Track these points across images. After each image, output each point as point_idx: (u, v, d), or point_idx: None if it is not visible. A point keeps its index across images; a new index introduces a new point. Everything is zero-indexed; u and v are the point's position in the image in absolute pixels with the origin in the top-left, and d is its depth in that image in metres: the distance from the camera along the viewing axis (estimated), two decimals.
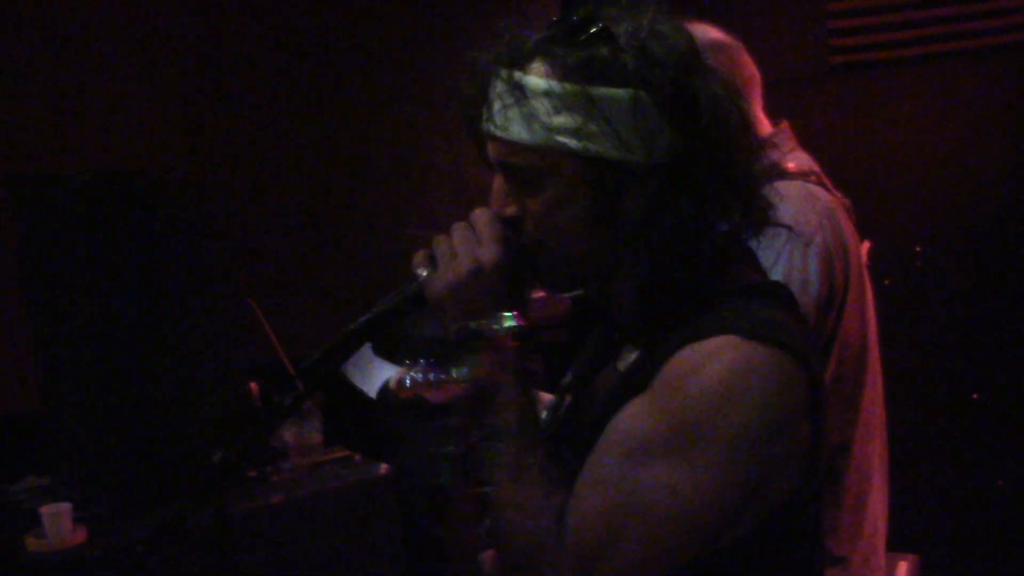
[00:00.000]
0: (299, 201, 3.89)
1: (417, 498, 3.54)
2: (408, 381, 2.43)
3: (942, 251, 4.77)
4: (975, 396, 4.81)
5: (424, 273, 1.69)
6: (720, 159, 1.62)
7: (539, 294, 2.52)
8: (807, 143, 4.11)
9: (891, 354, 4.19)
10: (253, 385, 3.38)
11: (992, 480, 4.86)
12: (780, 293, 1.75)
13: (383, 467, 3.38)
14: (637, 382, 1.60)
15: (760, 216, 1.70)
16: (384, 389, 2.56)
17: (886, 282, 4.55)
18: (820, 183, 2.82)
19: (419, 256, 1.71)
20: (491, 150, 1.67)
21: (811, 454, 1.60)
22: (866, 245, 4.49)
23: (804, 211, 2.65)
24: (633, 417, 1.57)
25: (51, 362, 3.24)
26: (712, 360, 1.54)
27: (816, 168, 2.87)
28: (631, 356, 1.70)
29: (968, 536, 4.78)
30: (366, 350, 3.57)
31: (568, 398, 1.86)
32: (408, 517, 3.49)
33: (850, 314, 2.74)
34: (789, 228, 1.90)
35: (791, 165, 2.78)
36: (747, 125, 1.67)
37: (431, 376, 2.41)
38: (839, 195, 2.85)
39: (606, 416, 1.62)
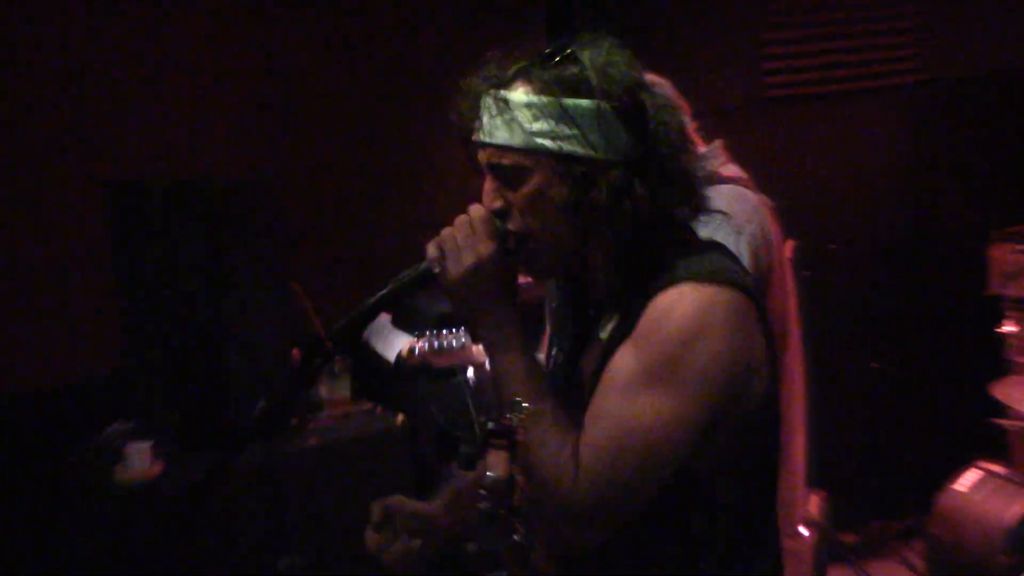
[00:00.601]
0: (336, 201, 3.87)
1: (426, 441, 3.58)
2: (416, 350, 2.48)
3: (849, 248, 4.77)
4: (873, 365, 4.85)
5: (434, 254, 1.69)
6: (666, 156, 1.65)
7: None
8: (745, 162, 4.14)
9: (809, 327, 4.24)
10: (295, 351, 3.38)
11: (885, 431, 4.90)
12: (720, 247, 1.79)
13: (399, 417, 3.40)
14: (620, 340, 1.63)
15: (700, 204, 1.73)
16: (398, 356, 2.59)
17: (806, 273, 4.58)
18: (746, 186, 2.85)
19: (431, 244, 1.71)
20: (481, 156, 1.69)
21: (769, 362, 1.66)
22: (790, 243, 4.54)
23: (737, 207, 2.65)
24: (621, 360, 1.60)
25: (136, 332, 3.28)
26: (677, 304, 1.57)
27: (745, 176, 2.88)
28: (610, 324, 1.68)
29: (866, 476, 4.82)
30: (386, 322, 3.60)
31: (557, 353, 1.85)
32: (418, 457, 3.52)
33: (773, 294, 2.77)
34: (725, 214, 1.91)
35: (725, 172, 2.78)
36: (685, 132, 1.71)
37: (435, 345, 2.46)
38: (764, 197, 2.88)
39: (598, 376, 1.64)
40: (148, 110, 3.57)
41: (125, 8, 3.52)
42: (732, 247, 2.54)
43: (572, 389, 1.75)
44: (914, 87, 4.84)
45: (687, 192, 1.70)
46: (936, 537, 4.13)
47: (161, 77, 3.58)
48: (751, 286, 1.66)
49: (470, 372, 2.63)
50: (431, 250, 1.71)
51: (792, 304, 2.91)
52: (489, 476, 1.45)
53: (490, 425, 1.51)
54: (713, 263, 1.65)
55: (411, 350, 2.52)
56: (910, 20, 4.76)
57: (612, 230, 1.64)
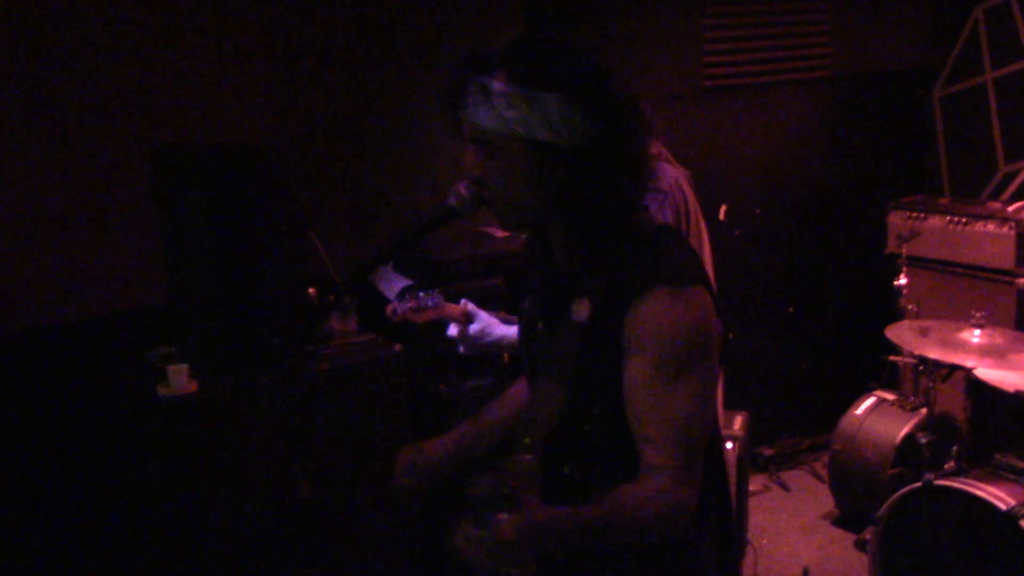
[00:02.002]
0: (347, 162, 3.83)
1: (420, 367, 3.55)
2: (398, 310, 2.43)
3: (773, 213, 4.78)
4: (791, 309, 4.86)
5: (454, 201, 1.66)
6: (623, 143, 1.61)
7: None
8: (687, 143, 4.09)
9: (736, 279, 4.24)
10: (311, 289, 3.33)
11: (798, 364, 4.93)
12: (675, 233, 1.78)
13: (397, 346, 3.35)
14: (603, 334, 1.60)
15: (647, 182, 1.71)
16: (385, 315, 2.53)
17: (736, 232, 4.59)
18: (668, 160, 2.84)
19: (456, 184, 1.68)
20: (465, 130, 1.66)
21: (722, 341, 1.70)
22: (723, 207, 4.53)
23: (661, 178, 2.67)
24: (640, 372, 1.58)
25: (177, 271, 3.21)
26: (667, 313, 1.56)
27: (666, 152, 2.87)
28: (584, 309, 1.65)
29: (782, 399, 4.85)
30: (388, 266, 3.57)
31: (540, 325, 1.78)
32: (414, 379, 3.48)
33: (692, 245, 2.79)
34: (660, 192, 1.89)
35: (651, 150, 2.78)
36: (643, 120, 1.66)
37: (413, 305, 2.41)
38: (682, 168, 2.87)
39: (581, 358, 1.62)
40: (187, 84, 3.49)
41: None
42: (659, 213, 2.54)
43: (548, 355, 1.73)
44: (827, 81, 4.80)
45: (640, 174, 1.67)
46: (838, 452, 4.15)
47: (198, 60, 3.50)
48: (702, 274, 1.66)
49: (451, 330, 2.58)
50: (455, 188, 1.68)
51: (707, 254, 2.91)
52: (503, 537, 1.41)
53: (506, 490, 1.49)
54: (676, 260, 1.63)
55: (393, 310, 2.46)
56: (825, 24, 4.73)
57: (569, 205, 1.63)
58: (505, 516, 1.45)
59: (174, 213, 3.15)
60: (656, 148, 2.85)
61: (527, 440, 1.72)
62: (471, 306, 2.53)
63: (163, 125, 3.45)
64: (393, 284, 3.47)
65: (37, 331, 3.32)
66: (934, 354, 3.39)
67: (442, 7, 3.94)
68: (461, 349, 2.62)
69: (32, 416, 3.32)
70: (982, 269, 4.21)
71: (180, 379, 2.97)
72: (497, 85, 1.59)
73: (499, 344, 2.54)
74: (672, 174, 2.76)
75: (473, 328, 2.47)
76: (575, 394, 1.65)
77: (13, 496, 3.30)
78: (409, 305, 2.44)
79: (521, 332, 1.90)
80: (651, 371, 1.57)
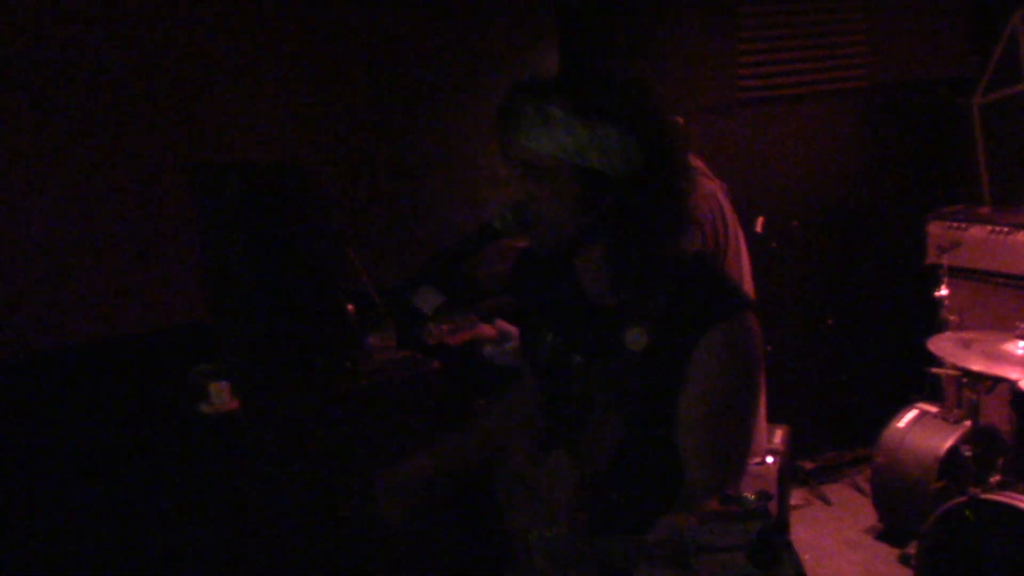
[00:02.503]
0: (385, 179, 3.85)
1: (458, 382, 3.54)
2: (434, 332, 2.45)
3: (811, 225, 4.75)
4: (829, 321, 4.82)
5: (497, 222, 1.67)
6: (669, 173, 1.62)
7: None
8: (721, 154, 4.08)
9: (775, 290, 4.22)
10: (350, 306, 3.34)
11: (838, 375, 4.88)
12: (712, 258, 1.80)
13: (436, 363, 3.34)
14: (664, 364, 1.61)
15: (688, 216, 1.69)
16: (421, 336, 2.55)
17: (773, 244, 4.56)
18: (704, 174, 2.83)
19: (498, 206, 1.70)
20: (514, 152, 1.65)
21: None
22: (760, 220, 4.50)
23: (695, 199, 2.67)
24: (702, 408, 1.59)
25: (217, 289, 3.23)
26: (731, 346, 1.58)
27: (701, 165, 2.86)
28: (641, 338, 1.64)
29: (823, 412, 4.81)
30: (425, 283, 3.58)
31: (577, 358, 1.76)
32: (451, 396, 3.46)
33: (730, 260, 2.78)
34: (700, 224, 1.90)
35: None
36: (687, 152, 1.69)
37: (449, 327, 2.42)
38: (719, 182, 2.86)
39: (642, 388, 1.62)
40: (224, 103, 3.53)
41: (204, 20, 3.48)
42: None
43: (600, 386, 1.71)
44: (863, 91, 4.77)
45: (683, 207, 1.67)
46: (881, 465, 4.10)
47: (233, 79, 3.54)
48: (748, 299, 1.68)
49: (486, 350, 2.59)
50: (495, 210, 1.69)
51: (746, 268, 2.90)
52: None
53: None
54: (725, 290, 1.66)
55: (428, 332, 2.48)
56: (861, 34, 4.70)
57: (612, 232, 1.63)
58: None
59: (214, 231, 3.19)
60: (694, 162, 2.85)
61: (588, 471, 1.70)
62: (503, 325, 2.54)
63: (202, 144, 3.48)
64: (428, 301, 3.48)
65: (80, 348, 3.36)
66: (978, 366, 3.35)
67: (477, 27, 3.96)
68: (497, 362, 2.62)
69: (74, 432, 3.35)
70: None
71: (222, 396, 2.99)
72: (557, 111, 1.58)
73: None
74: (708, 187, 2.76)
75: (508, 346, 2.47)
76: (636, 423, 1.65)
77: (55, 511, 3.33)
78: (445, 327, 2.45)
79: (543, 367, 1.85)
80: (702, 403, 1.59)
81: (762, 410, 3.00)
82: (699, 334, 1.58)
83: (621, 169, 1.59)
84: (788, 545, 1.24)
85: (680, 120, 1.69)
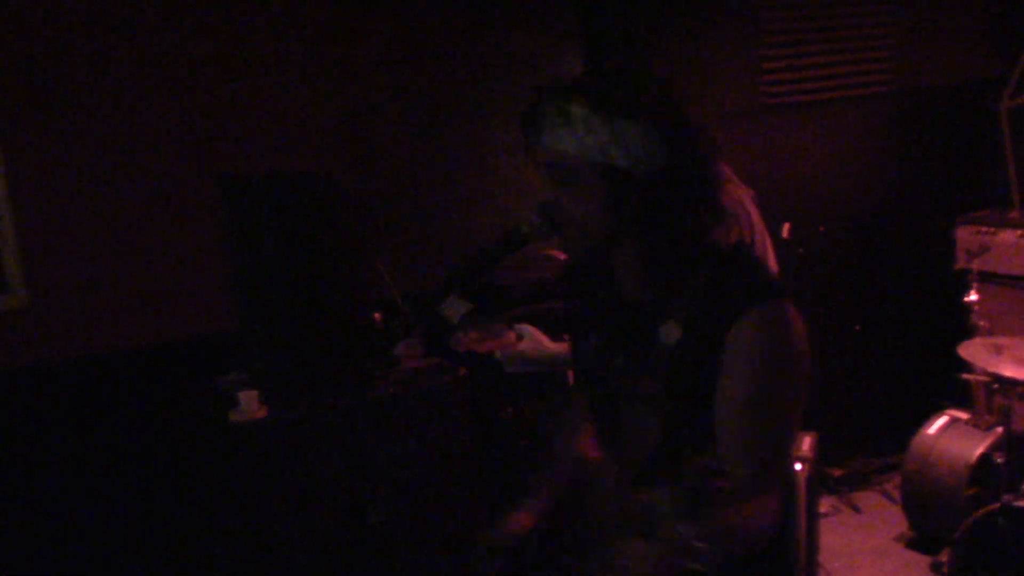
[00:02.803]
0: (411, 189, 3.87)
1: (484, 391, 3.55)
2: (462, 340, 2.45)
3: (838, 231, 4.72)
4: (857, 327, 4.79)
5: (525, 226, 1.67)
6: (694, 170, 1.61)
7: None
8: (746, 160, 4.07)
9: (801, 297, 4.17)
10: (376, 315, 3.36)
11: (866, 382, 4.85)
12: (744, 250, 1.74)
13: (463, 370, 3.37)
14: (697, 355, 1.60)
15: (720, 209, 1.68)
16: (449, 343, 2.56)
17: (800, 250, 4.53)
18: (731, 181, 2.83)
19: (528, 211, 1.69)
20: (540, 155, 1.65)
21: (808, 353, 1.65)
22: (787, 225, 4.48)
23: (725, 200, 2.66)
24: (736, 390, 1.57)
25: (247, 298, 3.26)
26: (761, 333, 1.56)
27: (729, 171, 2.86)
28: (674, 331, 1.64)
29: (851, 419, 4.77)
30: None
31: (619, 360, 1.76)
32: (478, 404, 3.50)
33: None
34: (733, 216, 1.86)
35: None
36: (714, 148, 1.65)
37: (477, 335, 2.43)
38: (746, 188, 2.85)
39: (675, 380, 1.62)
40: (255, 115, 3.57)
41: (236, 31, 3.51)
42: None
43: (638, 384, 1.71)
44: (889, 96, 4.74)
45: (712, 201, 1.66)
46: (911, 472, 4.06)
47: (263, 90, 3.58)
48: (786, 287, 1.64)
49: (498, 353, 2.60)
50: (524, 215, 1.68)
51: (774, 268, 2.88)
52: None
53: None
54: (762, 279, 1.64)
55: (456, 340, 2.49)
56: (886, 38, 4.68)
57: (643, 231, 1.63)
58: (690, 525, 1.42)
59: (243, 241, 3.22)
60: (722, 169, 2.84)
61: (627, 468, 1.70)
62: (518, 325, 2.53)
63: (230, 154, 3.52)
64: (455, 308, 3.48)
65: (111, 357, 3.40)
66: (1009, 372, 3.31)
67: (502, 34, 3.97)
68: (507, 369, 2.62)
69: (105, 439, 3.39)
70: None
71: (251, 405, 3.02)
72: (577, 110, 1.59)
73: (553, 362, 2.52)
74: (735, 194, 2.75)
75: (523, 345, 2.46)
76: (672, 417, 1.64)
77: (86, 516, 3.36)
78: (473, 336, 2.46)
79: (588, 370, 1.86)
80: (743, 390, 1.57)
81: None
82: (731, 321, 1.57)
83: (645, 166, 1.58)
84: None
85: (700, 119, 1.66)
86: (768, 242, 2.88)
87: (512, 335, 2.53)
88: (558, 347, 2.47)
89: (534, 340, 2.47)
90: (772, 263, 2.88)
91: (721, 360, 1.58)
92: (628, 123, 1.57)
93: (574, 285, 1.93)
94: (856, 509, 4.51)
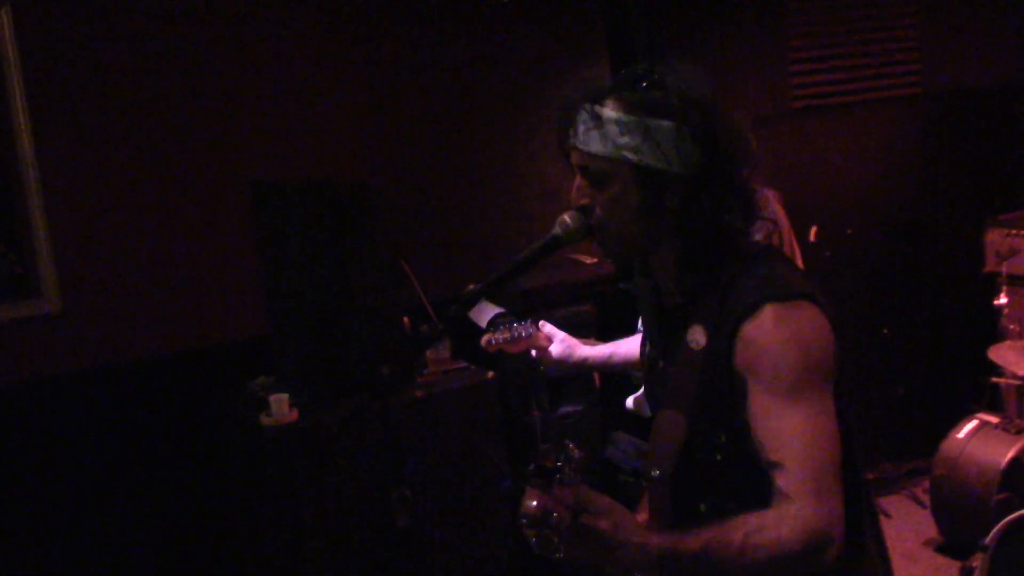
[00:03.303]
0: (438, 194, 3.89)
1: (511, 393, 3.56)
2: (492, 341, 2.45)
3: (865, 233, 4.70)
4: (885, 331, 4.76)
5: (559, 230, 1.65)
6: (728, 170, 1.60)
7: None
8: (774, 164, 4.06)
9: (829, 301, 4.16)
10: (405, 319, 3.38)
11: (894, 386, 4.82)
12: (773, 252, 1.72)
13: (490, 374, 3.37)
14: (717, 358, 1.56)
15: (754, 210, 1.66)
16: (478, 343, 2.56)
17: (827, 253, 4.52)
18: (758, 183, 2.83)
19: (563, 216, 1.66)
20: (574, 158, 1.65)
21: (839, 357, 1.58)
22: (814, 228, 4.47)
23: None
24: (757, 400, 1.52)
25: (277, 303, 3.29)
26: (775, 333, 1.52)
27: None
28: (700, 336, 1.61)
29: (880, 423, 4.75)
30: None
31: (661, 363, 1.75)
32: (505, 406, 3.50)
33: None
34: (768, 220, 1.85)
35: None
36: (748, 149, 1.64)
37: (509, 336, 2.42)
38: (773, 190, 2.85)
39: (700, 385, 1.58)
40: (285, 122, 3.60)
41: (268, 41, 3.55)
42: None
43: (668, 386, 1.68)
44: (917, 98, 4.72)
45: (746, 201, 1.64)
46: (940, 477, 4.03)
47: (295, 98, 3.62)
48: (812, 290, 1.59)
49: (532, 353, 2.60)
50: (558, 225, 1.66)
51: None
52: (526, 508, 1.46)
53: (531, 467, 1.49)
54: (782, 277, 1.59)
55: (488, 342, 2.49)
56: (914, 41, 4.66)
57: (680, 234, 1.61)
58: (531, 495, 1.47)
59: (273, 247, 3.25)
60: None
61: (656, 472, 1.68)
62: (548, 327, 2.53)
63: (260, 161, 3.55)
64: (484, 312, 3.49)
65: (142, 363, 3.44)
66: None
67: (530, 42, 3.99)
68: (543, 371, 2.62)
69: (139, 445, 3.43)
70: None
71: (281, 408, 3.04)
72: (610, 112, 1.59)
73: (582, 365, 2.52)
74: (763, 193, 2.75)
75: (554, 350, 2.46)
76: (697, 423, 1.61)
77: (120, 522, 3.40)
78: (503, 336, 2.46)
79: (645, 377, 1.86)
80: (765, 395, 1.52)
81: None
82: (740, 321, 1.54)
83: (679, 167, 1.57)
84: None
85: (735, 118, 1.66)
86: (795, 243, 2.89)
87: (543, 336, 2.53)
88: (590, 350, 2.47)
89: (566, 343, 2.48)
90: (799, 264, 2.88)
91: (735, 362, 1.55)
92: (661, 123, 1.57)
93: (638, 296, 1.90)
94: (885, 514, 4.49)
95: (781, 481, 1.48)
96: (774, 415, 1.51)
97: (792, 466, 1.48)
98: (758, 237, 2.59)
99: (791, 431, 1.49)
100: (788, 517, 1.44)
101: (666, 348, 1.73)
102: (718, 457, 1.60)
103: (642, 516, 1.83)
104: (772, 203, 2.79)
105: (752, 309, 1.54)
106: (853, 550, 1.56)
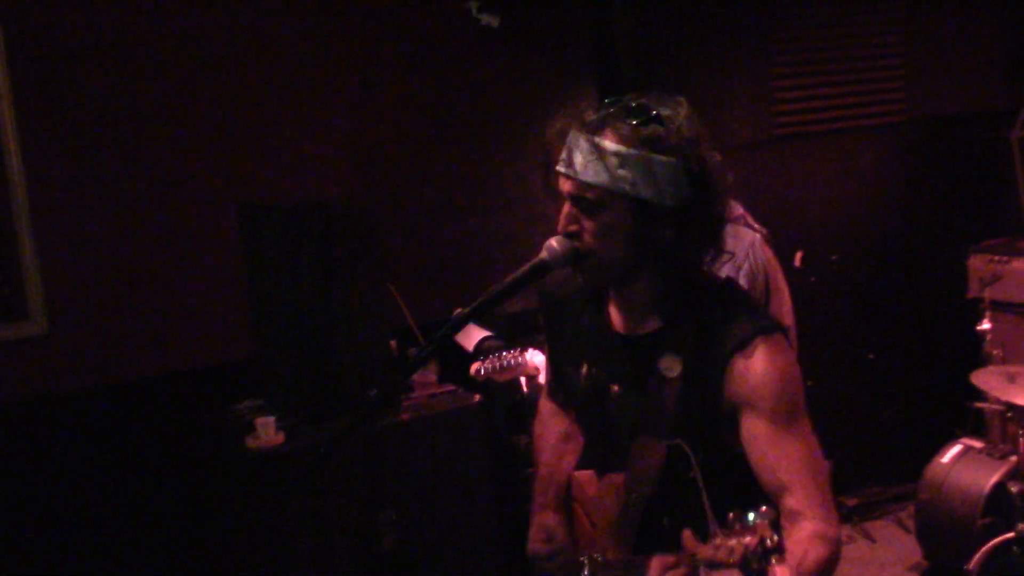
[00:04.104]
0: (425, 216, 3.90)
1: (499, 418, 3.57)
2: (482, 370, 2.47)
3: (850, 259, 4.73)
4: (870, 356, 4.78)
5: (547, 255, 1.67)
6: (713, 205, 1.67)
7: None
8: (759, 190, 4.09)
9: (815, 325, 4.21)
10: (392, 342, 3.39)
11: (880, 410, 4.84)
12: (735, 285, 1.81)
13: (476, 397, 3.36)
14: (700, 387, 1.65)
15: (723, 244, 1.74)
16: (468, 372, 2.57)
17: (812, 279, 4.53)
18: (745, 223, 2.84)
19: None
20: (567, 186, 1.67)
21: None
22: (799, 254, 4.50)
23: (736, 245, 2.67)
24: (756, 426, 1.62)
25: (264, 326, 3.29)
26: (771, 365, 1.62)
27: (741, 211, 2.87)
28: (676, 365, 1.68)
29: (864, 448, 4.77)
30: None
31: (615, 388, 1.79)
32: (492, 430, 3.49)
33: (773, 307, 2.78)
34: (729, 253, 1.85)
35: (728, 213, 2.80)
36: (727, 184, 1.69)
37: (497, 365, 2.44)
38: (760, 228, 2.87)
39: (679, 412, 1.66)
40: (273, 145, 3.62)
41: (255, 65, 3.57)
42: (731, 274, 2.53)
43: (640, 413, 1.73)
44: (900, 125, 4.77)
45: (720, 235, 1.72)
46: (925, 501, 4.04)
47: (282, 121, 3.63)
48: (777, 321, 1.72)
49: (522, 380, 2.62)
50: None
51: (788, 313, 2.89)
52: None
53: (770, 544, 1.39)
54: (760, 313, 1.72)
55: (477, 371, 2.51)
56: (898, 68, 4.71)
57: (662, 264, 1.67)
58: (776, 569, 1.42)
59: (260, 269, 3.25)
60: (739, 210, 2.86)
61: (634, 496, 1.72)
62: (538, 356, 2.55)
63: (249, 184, 3.56)
64: (471, 335, 3.50)
65: (128, 385, 3.43)
66: (1023, 400, 3.32)
67: (517, 68, 4.02)
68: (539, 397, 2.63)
69: (124, 467, 3.41)
70: None
71: (268, 431, 3.03)
72: (610, 145, 1.61)
73: None
74: (749, 238, 2.77)
75: (544, 378, 2.48)
76: (676, 447, 1.66)
77: (105, 545, 3.38)
78: (493, 365, 2.48)
79: (584, 399, 1.88)
80: (767, 424, 1.61)
81: None
82: (732, 354, 1.62)
83: (671, 200, 1.62)
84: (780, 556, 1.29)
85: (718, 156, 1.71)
86: (782, 282, 2.88)
87: (531, 365, 2.55)
88: None
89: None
90: (787, 303, 2.88)
91: (726, 392, 1.63)
92: (662, 159, 1.61)
93: (551, 314, 1.95)
94: (870, 538, 4.50)
95: (792, 502, 1.59)
96: (777, 443, 1.61)
97: (802, 487, 1.59)
98: (744, 281, 2.63)
99: (794, 455, 1.61)
100: (819, 535, 1.56)
101: (624, 374, 1.77)
102: (691, 476, 1.65)
103: (581, 526, 1.89)
104: (757, 247, 2.80)
105: (743, 343, 1.62)
106: None
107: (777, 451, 1.61)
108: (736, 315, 1.66)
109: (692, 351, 1.65)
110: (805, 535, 1.56)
